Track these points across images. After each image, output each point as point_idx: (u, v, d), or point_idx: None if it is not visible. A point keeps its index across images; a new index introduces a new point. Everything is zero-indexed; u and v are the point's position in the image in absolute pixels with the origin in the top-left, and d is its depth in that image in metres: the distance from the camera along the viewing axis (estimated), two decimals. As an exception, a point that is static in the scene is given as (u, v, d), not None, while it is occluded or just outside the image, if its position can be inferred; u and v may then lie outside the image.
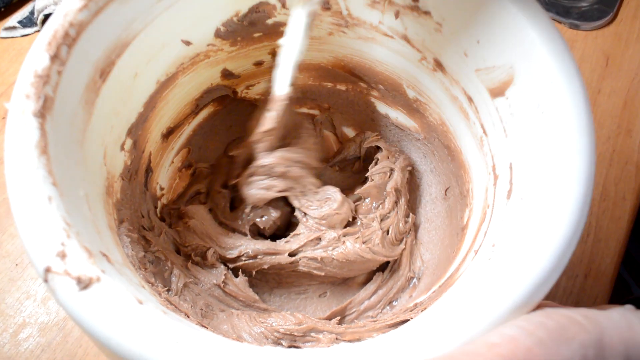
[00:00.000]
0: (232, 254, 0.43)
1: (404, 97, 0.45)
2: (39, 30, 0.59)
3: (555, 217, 0.25)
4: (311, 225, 0.43)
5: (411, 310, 0.36)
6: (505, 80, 0.33)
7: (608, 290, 0.46)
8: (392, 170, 0.46)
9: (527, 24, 0.31)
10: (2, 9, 0.60)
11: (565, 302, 0.45)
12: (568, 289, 0.45)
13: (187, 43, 0.40)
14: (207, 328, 0.32)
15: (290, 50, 0.38)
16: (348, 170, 0.50)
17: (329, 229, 0.43)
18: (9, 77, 0.56)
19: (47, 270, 0.24)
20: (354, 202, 0.46)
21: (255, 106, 0.49)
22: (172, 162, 0.46)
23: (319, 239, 0.42)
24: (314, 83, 0.49)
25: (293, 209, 0.45)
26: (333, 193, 0.44)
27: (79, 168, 0.31)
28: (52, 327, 0.43)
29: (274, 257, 0.42)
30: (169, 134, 0.45)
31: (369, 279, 0.45)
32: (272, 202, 0.45)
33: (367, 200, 0.46)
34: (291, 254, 0.42)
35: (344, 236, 0.42)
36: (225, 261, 0.43)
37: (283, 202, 0.45)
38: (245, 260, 0.42)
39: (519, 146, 0.32)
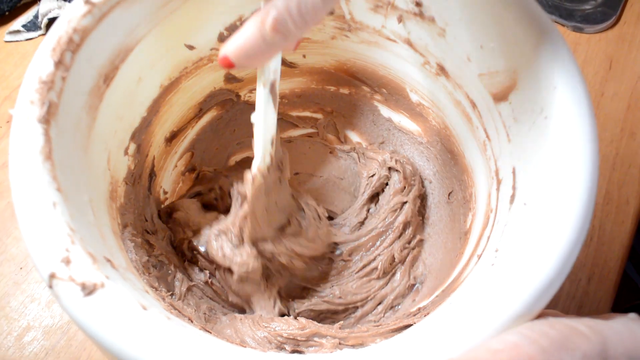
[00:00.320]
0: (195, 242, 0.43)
1: (407, 101, 0.45)
2: (43, 34, 0.59)
3: (559, 223, 0.25)
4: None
5: (414, 315, 0.36)
6: (509, 85, 0.33)
7: (611, 294, 0.46)
8: (404, 204, 0.45)
9: (530, 29, 0.31)
10: (7, 13, 0.60)
11: (569, 306, 0.45)
12: (571, 293, 0.45)
13: (191, 48, 0.40)
14: (210, 333, 0.32)
15: (262, 127, 0.36)
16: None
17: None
18: (13, 80, 0.56)
19: (52, 276, 0.24)
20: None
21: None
22: (176, 166, 0.46)
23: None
24: (316, 87, 0.49)
25: None
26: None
27: (83, 173, 0.31)
28: (56, 330, 0.43)
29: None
30: (172, 138, 0.45)
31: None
32: None
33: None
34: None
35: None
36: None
37: None
38: None
39: (522, 151, 0.32)
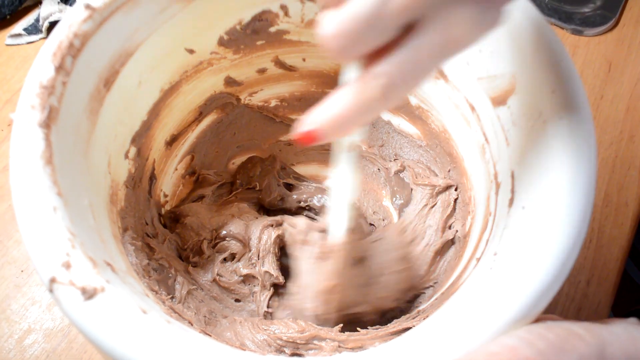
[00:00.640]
0: (223, 232, 0.43)
1: (406, 104, 0.45)
2: (44, 38, 0.60)
3: (556, 227, 0.25)
4: None
5: (413, 318, 0.36)
6: (507, 89, 0.33)
7: (611, 297, 0.46)
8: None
9: (528, 33, 0.32)
10: (8, 16, 0.60)
11: (568, 309, 0.45)
12: (570, 295, 0.45)
13: (191, 51, 0.41)
14: (210, 336, 0.32)
15: (341, 191, 0.34)
16: None
17: None
18: (14, 84, 0.57)
19: (52, 280, 0.24)
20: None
21: (259, 113, 0.50)
22: (176, 169, 0.47)
23: None
24: (316, 90, 0.49)
25: None
26: None
27: (84, 177, 0.31)
28: (57, 333, 0.43)
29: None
30: (172, 141, 0.45)
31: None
32: None
33: None
34: None
35: None
36: (218, 247, 0.44)
37: None
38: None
39: (520, 155, 0.32)
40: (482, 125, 0.37)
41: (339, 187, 0.34)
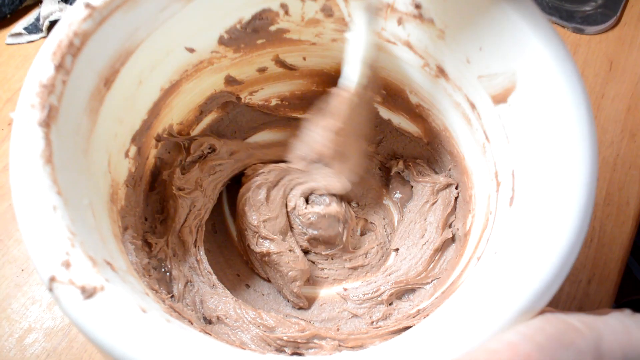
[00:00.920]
0: None
1: (406, 102, 0.45)
2: (44, 37, 0.60)
3: (557, 226, 0.25)
4: None
5: (414, 317, 0.36)
6: (508, 87, 0.33)
7: (612, 295, 0.46)
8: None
9: (529, 30, 0.31)
10: (8, 16, 0.60)
11: (569, 308, 0.45)
12: (571, 294, 0.45)
13: (191, 50, 0.41)
14: (210, 335, 0.32)
15: (357, 44, 0.36)
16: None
17: None
18: (14, 83, 0.57)
19: (52, 279, 0.24)
20: None
21: (259, 112, 0.50)
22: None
23: None
24: (317, 89, 0.49)
25: None
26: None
27: (84, 176, 0.31)
28: (57, 332, 0.43)
29: None
30: (173, 140, 0.45)
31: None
32: None
33: None
34: None
35: None
36: None
37: None
38: None
39: (521, 153, 0.32)
40: (482, 124, 0.37)
41: (357, 44, 0.35)
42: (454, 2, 0.35)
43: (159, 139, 0.43)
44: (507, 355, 0.22)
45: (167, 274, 0.39)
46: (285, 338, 0.34)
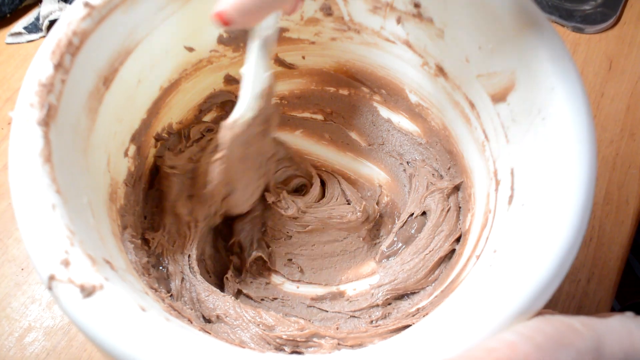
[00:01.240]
0: None
1: (406, 101, 0.45)
2: (44, 36, 0.59)
3: (556, 225, 0.25)
4: None
5: (413, 316, 0.36)
6: (507, 86, 0.33)
7: (611, 294, 0.46)
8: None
9: (528, 30, 0.31)
10: (8, 15, 0.60)
11: (568, 306, 0.45)
12: (571, 293, 0.45)
13: (190, 49, 0.41)
14: (209, 333, 0.32)
15: (252, 80, 0.36)
16: None
17: None
18: (14, 82, 0.57)
19: (51, 278, 0.24)
20: None
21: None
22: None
23: None
24: (316, 88, 0.49)
25: None
26: None
27: (83, 175, 0.31)
28: (57, 331, 0.43)
29: None
30: (172, 139, 0.45)
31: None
32: None
33: None
34: None
35: None
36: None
37: None
38: None
39: (520, 152, 0.32)
40: (481, 123, 0.37)
41: (249, 76, 0.36)
42: (453, 1, 0.35)
43: (158, 138, 0.43)
44: (505, 355, 0.22)
45: (164, 270, 0.39)
46: (284, 337, 0.34)
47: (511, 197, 0.31)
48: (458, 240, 0.42)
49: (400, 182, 0.48)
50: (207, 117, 0.47)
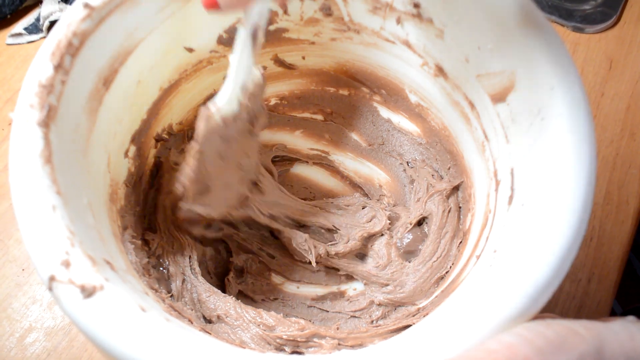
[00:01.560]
0: None
1: (406, 102, 0.45)
2: (44, 37, 0.60)
3: (556, 225, 0.25)
4: None
5: (413, 316, 0.36)
6: (507, 86, 0.33)
7: (612, 294, 0.46)
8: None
9: (528, 30, 0.31)
10: (8, 16, 0.60)
11: (569, 306, 0.45)
12: (571, 293, 0.45)
13: (190, 50, 0.41)
14: (210, 334, 0.32)
15: (235, 68, 0.35)
16: None
17: None
18: (14, 83, 0.57)
19: (52, 278, 0.24)
20: None
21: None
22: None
23: None
24: (316, 88, 0.49)
25: None
26: None
27: (83, 176, 0.31)
28: (58, 331, 0.43)
29: None
30: (172, 139, 0.45)
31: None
32: None
33: None
34: None
35: None
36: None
37: None
38: None
39: (520, 152, 0.32)
40: (481, 123, 0.37)
41: (233, 64, 0.35)
42: (452, 1, 0.35)
43: (158, 138, 0.43)
44: (505, 356, 0.22)
45: (165, 271, 0.39)
46: (285, 337, 0.35)
47: (511, 197, 0.31)
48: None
49: (401, 182, 0.48)
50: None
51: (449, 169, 0.44)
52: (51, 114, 0.29)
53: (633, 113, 0.54)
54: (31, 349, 0.43)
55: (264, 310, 0.37)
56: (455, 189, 0.43)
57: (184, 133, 0.45)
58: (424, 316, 0.34)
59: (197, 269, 0.40)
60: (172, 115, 0.43)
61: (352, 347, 0.34)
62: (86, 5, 0.32)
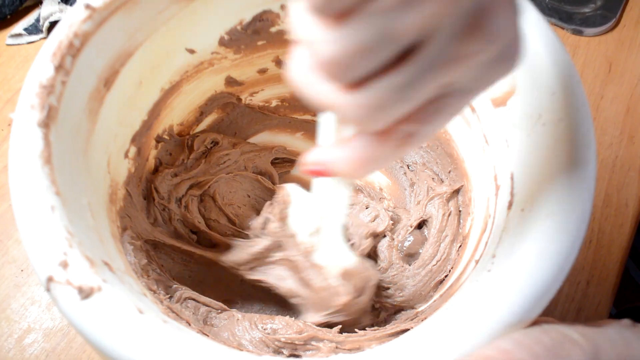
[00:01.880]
0: None
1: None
2: (44, 37, 0.60)
3: (555, 231, 0.25)
4: None
5: (412, 319, 0.36)
6: (508, 90, 0.33)
7: (611, 297, 0.46)
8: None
9: (528, 33, 0.31)
10: (8, 16, 0.60)
11: (568, 309, 0.45)
12: (570, 296, 0.45)
13: (191, 51, 0.41)
14: (207, 336, 0.32)
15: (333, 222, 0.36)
16: None
17: None
18: (15, 84, 0.57)
19: (50, 279, 0.24)
20: None
21: (260, 113, 0.50)
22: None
23: None
24: (317, 90, 0.49)
25: None
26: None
27: (83, 176, 0.31)
28: (56, 332, 0.43)
29: None
30: (173, 141, 0.45)
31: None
32: None
33: None
34: None
35: None
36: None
37: None
38: None
39: (520, 157, 0.32)
40: (482, 127, 0.37)
41: (331, 214, 0.35)
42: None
43: (159, 139, 0.43)
44: None
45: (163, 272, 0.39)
46: (283, 339, 0.34)
47: (510, 202, 0.31)
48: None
49: (401, 186, 0.48)
50: (209, 119, 0.47)
51: (449, 172, 0.44)
52: (51, 115, 0.29)
53: (632, 116, 0.54)
54: (30, 350, 0.43)
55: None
56: (456, 192, 0.43)
57: (184, 143, 0.45)
58: (422, 320, 0.34)
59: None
60: (173, 117, 0.43)
61: (350, 350, 0.34)
62: (88, 6, 0.32)
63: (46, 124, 0.28)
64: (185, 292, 0.38)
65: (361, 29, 0.18)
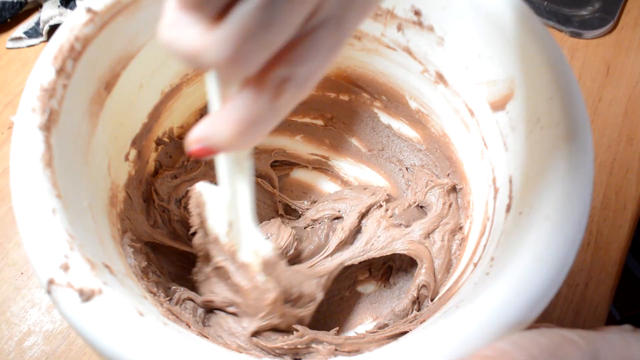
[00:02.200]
0: None
1: (406, 108, 0.45)
2: (44, 41, 0.60)
3: (553, 234, 0.25)
4: None
5: (410, 322, 0.36)
6: (506, 94, 0.33)
7: (608, 299, 0.46)
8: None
9: (527, 38, 0.32)
10: (8, 20, 0.60)
11: (566, 310, 0.45)
12: (569, 297, 0.46)
13: (191, 54, 0.41)
14: (207, 338, 0.32)
15: (241, 210, 0.33)
16: None
17: None
18: (15, 87, 0.57)
19: (50, 282, 0.24)
20: None
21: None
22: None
23: None
24: (317, 93, 0.49)
25: None
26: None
27: (83, 179, 0.31)
28: (56, 335, 0.43)
29: None
30: (173, 143, 0.45)
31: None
32: None
33: None
34: None
35: None
36: None
37: None
38: None
39: (518, 160, 0.32)
40: (481, 130, 0.37)
41: (237, 205, 0.32)
42: (453, 9, 0.35)
43: (159, 142, 0.43)
44: None
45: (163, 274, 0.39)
46: (286, 347, 0.34)
47: (509, 205, 0.31)
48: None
49: (400, 189, 0.48)
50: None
51: (448, 175, 0.44)
52: (52, 118, 0.29)
53: (630, 118, 0.54)
54: (30, 353, 0.43)
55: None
56: (454, 190, 0.43)
57: (182, 149, 0.45)
58: (421, 323, 0.34)
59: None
60: (173, 119, 0.44)
61: (349, 353, 0.34)
62: (89, 10, 0.32)
63: (47, 127, 0.29)
64: (184, 292, 0.38)
65: None
